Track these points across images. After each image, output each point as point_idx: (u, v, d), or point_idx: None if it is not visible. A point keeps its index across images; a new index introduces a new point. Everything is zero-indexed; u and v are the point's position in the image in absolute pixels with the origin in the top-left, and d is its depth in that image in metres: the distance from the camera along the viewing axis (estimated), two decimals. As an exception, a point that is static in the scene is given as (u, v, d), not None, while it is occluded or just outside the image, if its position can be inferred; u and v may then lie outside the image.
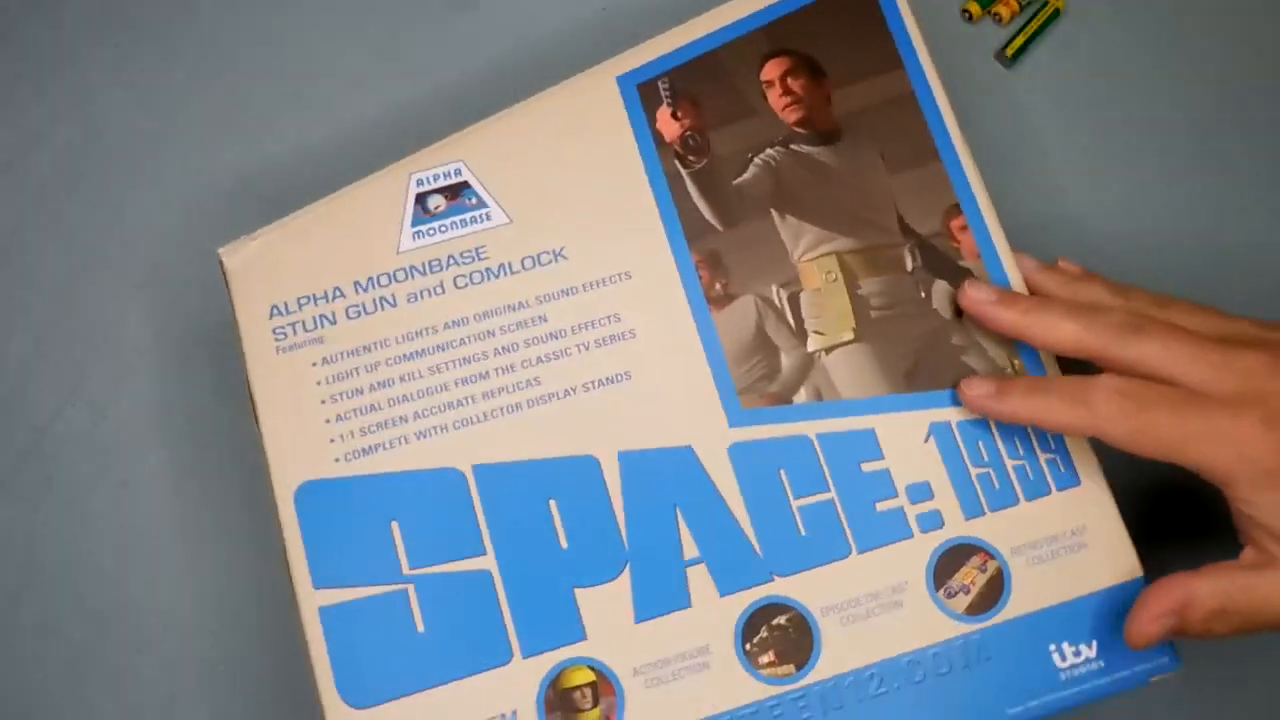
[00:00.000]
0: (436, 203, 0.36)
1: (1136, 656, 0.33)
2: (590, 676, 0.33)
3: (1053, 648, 0.33)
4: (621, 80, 0.38)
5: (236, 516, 0.40)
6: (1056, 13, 0.45)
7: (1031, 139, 0.44)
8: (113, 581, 0.40)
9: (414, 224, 0.36)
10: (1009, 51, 0.44)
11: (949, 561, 0.34)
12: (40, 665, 0.39)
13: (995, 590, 0.34)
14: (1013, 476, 0.35)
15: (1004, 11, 0.45)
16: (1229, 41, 0.46)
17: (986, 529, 0.34)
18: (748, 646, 0.33)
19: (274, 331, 0.35)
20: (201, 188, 0.43)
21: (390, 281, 0.36)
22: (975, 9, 0.45)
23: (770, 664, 0.33)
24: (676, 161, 0.37)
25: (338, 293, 0.36)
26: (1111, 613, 0.34)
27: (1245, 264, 0.41)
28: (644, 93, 0.38)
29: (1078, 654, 0.33)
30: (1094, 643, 0.33)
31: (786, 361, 0.36)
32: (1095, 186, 0.40)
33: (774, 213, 0.37)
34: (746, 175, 0.37)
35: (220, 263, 0.36)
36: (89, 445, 0.41)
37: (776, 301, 0.36)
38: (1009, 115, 0.45)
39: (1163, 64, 0.45)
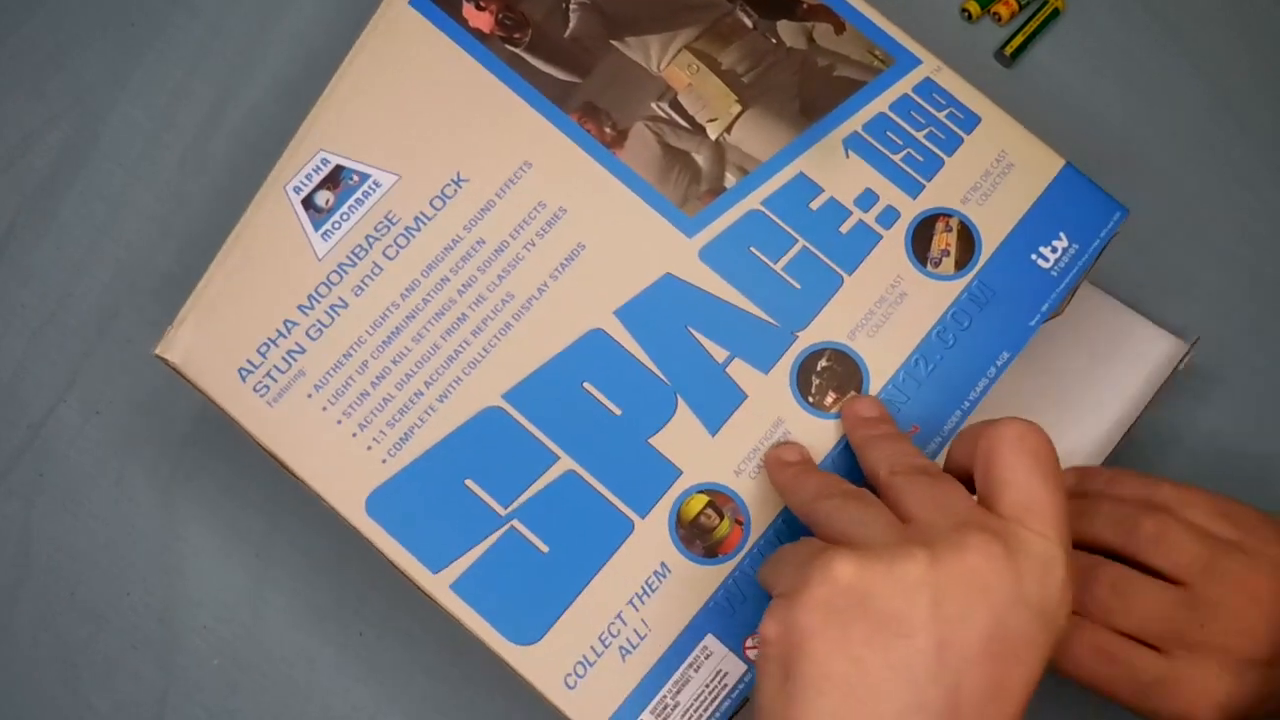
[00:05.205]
0: (325, 198, 0.36)
1: (1095, 224, 0.38)
2: (704, 499, 0.35)
3: (1033, 256, 0.38)
4: (414, 2, 0.38)
5: (230, 512, 0.41)
6: (1056, 12, 0.45)
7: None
8: (106, 578, 0.41)
9: (317, 228, 0.36)
10: (1009, 51, 0.44)
11: (920, 239, 0.37)
12: (34, 662, 0.40)
13: (967, 241, 0.38)
14: (928, 144, 0.38)
15: (1003, 11, 0.45)
16: (1229, 41, 0.46)
17: (933, 196, 0.38)
18: (810, 399, 0.36)
19: (255, 389, 0.35)
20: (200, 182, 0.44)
21: (329, 289, 0.36)
22: (975, 9, 0.45)
23: (835, 401, 0.36)
24: (506, 45, 0.38)
25: (290, 325, 0.36)
26: (1059, 205, 0.38)
27: (1246, 263, 0.42)
28: (439, 2, 0.38)
29: (1053, 250, 0.38)
30: (1060, 234, 0.38)
31: (700, 159, 0.38)
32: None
33: (614, 43, 0.38)
34: (573, 23, 0.38)
35: (165, 362, 0.35)
36: (82, 442, 0.42)
37: (663, 115, 0.38)
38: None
39: (1163, 63, 0.46)
